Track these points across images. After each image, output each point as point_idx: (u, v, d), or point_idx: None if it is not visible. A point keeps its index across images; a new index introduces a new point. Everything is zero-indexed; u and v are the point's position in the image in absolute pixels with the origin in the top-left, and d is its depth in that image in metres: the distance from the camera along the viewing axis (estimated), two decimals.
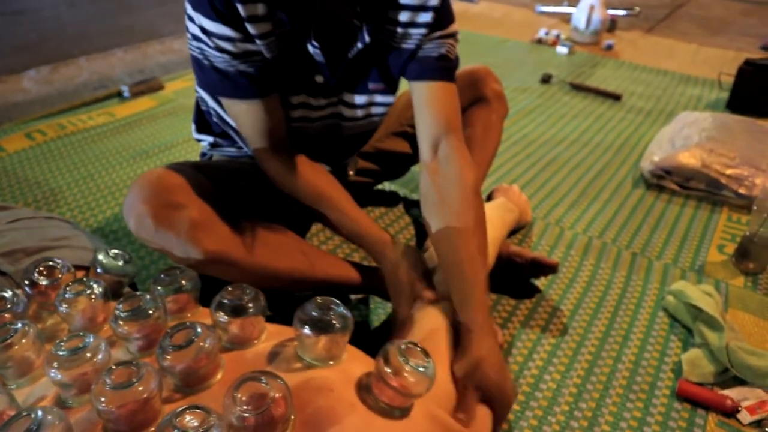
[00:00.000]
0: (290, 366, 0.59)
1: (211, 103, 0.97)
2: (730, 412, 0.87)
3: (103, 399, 0.48)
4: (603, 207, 1.43)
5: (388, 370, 0.55)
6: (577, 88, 2.23)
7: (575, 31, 2.89)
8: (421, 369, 0.56)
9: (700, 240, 1.32)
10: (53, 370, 0.54)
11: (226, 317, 0.61)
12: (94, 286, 0.68)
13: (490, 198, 1.28)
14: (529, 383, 0.92)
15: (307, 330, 0.58)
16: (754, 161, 1.47)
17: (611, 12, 3.06)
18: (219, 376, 0.57)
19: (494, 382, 0.73)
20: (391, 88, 0.97)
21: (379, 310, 1.05)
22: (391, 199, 1.41)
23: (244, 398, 0.48)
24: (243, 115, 0.86)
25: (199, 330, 0.55)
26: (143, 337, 0.61)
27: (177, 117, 1.81)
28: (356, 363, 0.62)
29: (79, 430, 0.51)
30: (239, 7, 0.75)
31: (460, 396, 0.72)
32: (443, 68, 0.92)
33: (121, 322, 0.60)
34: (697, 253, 1.27)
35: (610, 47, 2.80)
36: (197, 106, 1.04)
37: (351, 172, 1.21)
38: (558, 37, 2.86)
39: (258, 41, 0.79)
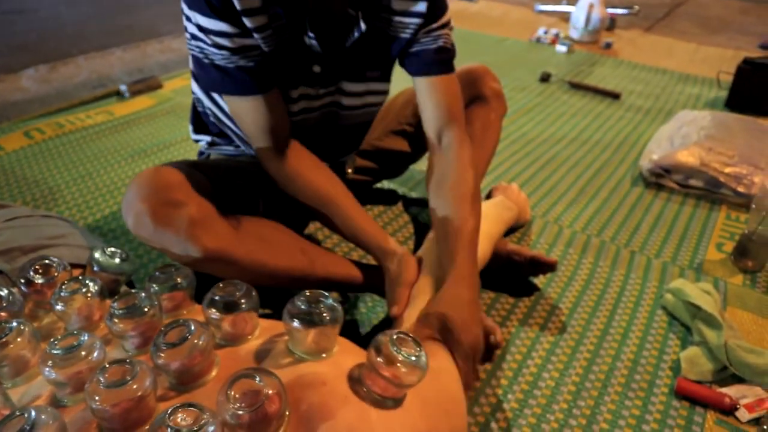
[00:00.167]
0: (283, 361, 0.59)
1: (207, 103, 0.96)
2: (729, 410, 0.87)
3: (97, 397, 0.48)
4: (602, 205, 1.43)
5: (380, 361, 0.55)
6: (576, 86, 2.22)
7: (574, 30, 2.89)
8: (413, 359, 0.56)
9: (699, 238, 1.31)
10: (48, 369, 0.53)
11: (218, 314, 0.61)
12: (90, 284, 0.67)
13: (489, 196, 1.28)
14: (528, 381, 0.92)
15: (296, 323, 0.58)
16: (753, 160, 1.47)
17: (610, 11, 3.06)
18: (214, 373, 0.57)
19: (458, 325, 0.73)
20: (386, 75, 1.00)
21: (378, 308, 1.05)
22: (389, 198, 1.41)
23: (238, 395, 0.48)
24: (245, 113, 0.85)
25: (192, 327, 0.55)
26: (139, 335, 0.61)
27: (176, 116, 1.81)
28: (348, 355, 0.62)
29: (74, 429, 0.51)
30: (234, 0, 0.75)
31: (422, 328, 0.74)
32: (442, 61, 0.96)
33: (116, 320, 0.60)
34: (696, 252, 1.26)
35: (609, 46, 2.80)
36: (194, 107, 1.04)
37: (349, 170, 1.20)
38: (557, 35, 2.86)
39: (255, 35, 0.79)
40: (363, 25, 0.86)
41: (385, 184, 1.46)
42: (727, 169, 1.45)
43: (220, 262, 0.79)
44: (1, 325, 0.60)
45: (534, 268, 1.08)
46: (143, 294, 0.63)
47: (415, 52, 0.94)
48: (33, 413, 0.46)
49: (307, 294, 0.61)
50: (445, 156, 0.96)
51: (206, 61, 0.80)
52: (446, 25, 0.95)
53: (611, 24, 3.11)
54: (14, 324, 0.60)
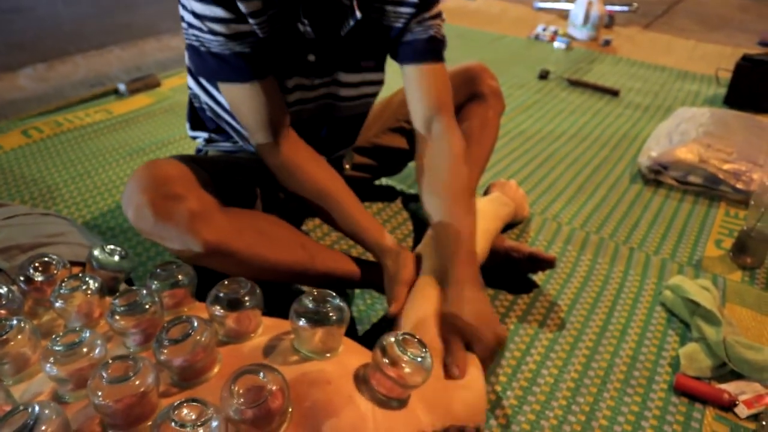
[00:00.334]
0: (287, 359, 0.59)
1: (204, 98, 0.96)
2: (728, 406, 0.87)
3: (99, 393, 0.48)
4: (601, 202, 1.43)
5: (386, 361, 0.55)
6: (575, 84, 2.23)
7: (573, 27, 2.89)
8: (419, 360, 0.56)
9: (698, 235, 1.32)
10: (50, 366, 0.53)
11: (222, 311, 0.61)
12: (90, 281, 0.67)
13: (487, 193, 1.28)
14: (527, 378, 0.92)
15: (303, 322, 0.58)
16: (752, 156, 1.47)
17: (609, 8, 3.06)
18: (216, 369, 0.57)
19: (471, 326, 0.76)
20: (380, 65, 1.00)
21: (377, 306, 1.05)
22: (389, 195, 1.41)
23: (241, 391, 0.48)
24: (241, 101, 0.85)
25: (195, 324, 0.55)
26: (140, 332, 0.61)
27: (174, 114, 1.81)
28: (353, 355, 0.62)
29: (77, 425, 0.51)
30: None
31: (446, 347, 0.74)
32: (433, 50, 0.96)
33: (117, 317, 0.60)
34: (695, 248, 1.27)
35: (607, 43, 2.80)
36: (190, 103, 1.04)
37: (347, 166, 1.21)
38: (556, 32, 2.86)
39: (250, 20, 0.79)
40: (358, 14, 0.86)
41: (384, 182, 1.46)
42: (726, 166, 1.45)
43: (219, 256, 0.79)
44: (1, 323, 0.60)
45: (533, 264, 1.08)
46: (144, 291, 0.63)
47: (406, 41, 0.95)
48: (36, 408, 0.46)
49: (315, 293, 0.61)
50: (437, 146, 0.96)
51: (203, 49, 0.81)
52: (438, 15, 0.96)
53: (610, 21, 3.11)
54: (14, 322, 0.60)
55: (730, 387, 0.90)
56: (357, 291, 1.08)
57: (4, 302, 0.66)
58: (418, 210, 1.36)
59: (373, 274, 0.93)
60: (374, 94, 1.04)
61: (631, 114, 2.00)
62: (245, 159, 1.00)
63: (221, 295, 0.61)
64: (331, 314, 0.59)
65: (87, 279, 0.68)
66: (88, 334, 0.56)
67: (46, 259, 0.73)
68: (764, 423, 0.83)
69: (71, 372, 0.53)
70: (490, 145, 1.19)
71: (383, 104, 1.28)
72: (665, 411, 0.87)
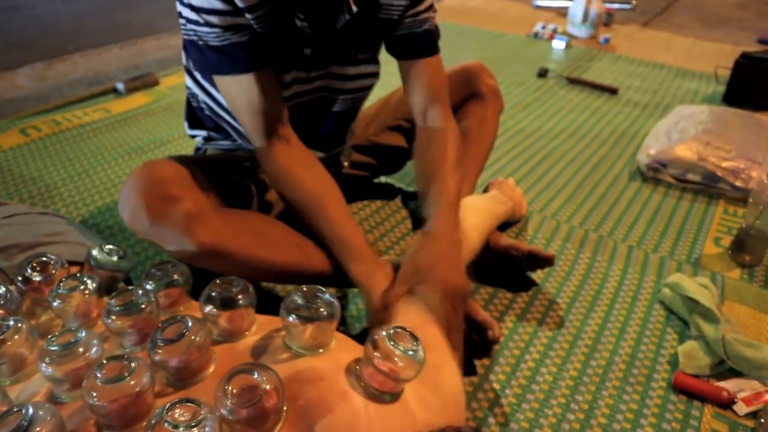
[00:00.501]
0: (280, 356, 0.59)
1: (202, 97, 0.96)
2: (726, 404, 0.87)
3: (94, 393, 0.48)
4: (599, 200, 1.43)
5: (378, 356, 0.55)
6: (574, 82, 2.22)
7: (572, 25, 2.88)
8: (411, 353, 0.56)
9: (697, 233, 1.32)
10: (45, 366, 0.53)
11: (215, 310, 0.60)
12: (88, 281, 0.67)
13: (485, 191, 1.28)
14: (526, 376, 0.92)
15: (293, 319, 0.58)
16: (751, 154, 1.47)
17: (608, 6, 3.06)
18: (211, 369, 0.57)
19: (441, 280, 0.79)
20: (375, 57, 1.01)
21: None
22: (388, 193, 1.41)
23: (235, 391, 0.48)
24: (238, 94, 0.84)
25: (190, 323, 0.55)
26: (136, 332, 0.61)
27: (173, 113, 1.80)
28: (345, 351, 0.62)
29: (72, 425, 0.51)
30: None
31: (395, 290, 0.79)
32: (428, 44, 0.98)
33: (113, 317, 0.60)
34: (694, 246, 1.27)
35: (606, 41, 2.80)
36: (188, 102, 1.04)
37: (345, 164, 1.20)
38: (554, 31, 2.86)
39: (247, 15, 0.79)
40: (354, 8, 0.86)
41: (383, 180, 1.46)
42: (725, 164, 1.45)
43: (215, 257, 0.79)
44: None
45: (532, 262, 1.08)
46: (140, 291, 0.62)
47: (402, 36, 0.96)
48: (31, 409, 0.46)
49: (304, 289, 0.61)
50: (430, 130, 1.00)
51: (201, 42, 0.80)
52: (431, 7, 0.97)
53: (609, 19, 3.11)
54: (11, 322, 0.60)
55: (729, 385, 0.90)
56: (355, 290, 1.08)
57: (1, 302, 0.65)
58: (417, 208, 1.35)
59: None
60: (370, 87, 1.04)
61: (630, 112, 2.00)
62: (244, 157, 1.00)
63: (214, 294, 0.61)
64: (321, 309, 0.59)
65: (85, 279, 0.67)
66: (84, 334, 0.56)
67: (44, 258, 0.73)
68: (763, 420, 0.83)
69: (67, 372, 0.53)
70: (488, 143, 1.19)
71: (382, 103, 1.28)
72: (664, 409, 0.87)
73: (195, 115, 1.04)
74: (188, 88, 1.00)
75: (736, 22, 3.33)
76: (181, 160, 0.86)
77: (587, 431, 0.83)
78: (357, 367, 0.59)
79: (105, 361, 0.51)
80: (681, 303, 1.04)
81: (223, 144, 1.05)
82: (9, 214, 0.93)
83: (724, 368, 0.93)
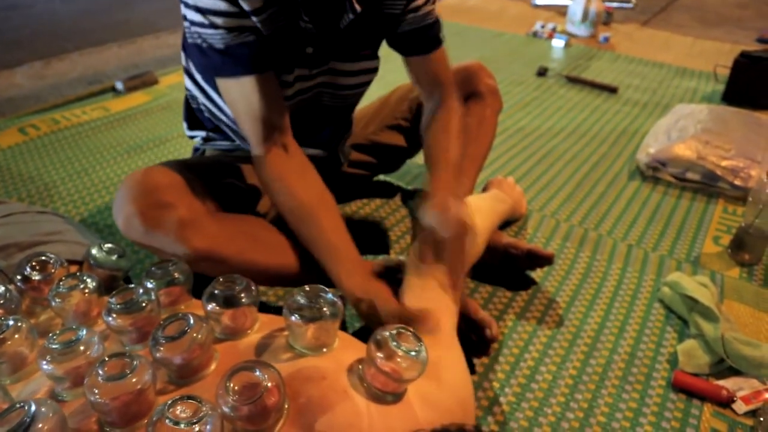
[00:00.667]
0: (282, 355, 0.59)
1: (201, 99, 0.96)
2: (726, 402, 0.87)
3: (96, 391, 0.48)
4: (599, 199, 1.43)
5: (380, 356, 0.55)
6: (573, 80, 2.22)
7: (571, 24, 2.88)
8: (413, 353, 0.56)
9: (696, 231, 1.32)
10: (46, 364, 0.53)
11: (218, 308, 0.60)
12: (88, 280, 0.67)
13: (484, 190, 1.28)
14: (525, 375, 0.92)
15: (296, 318, 0.58)
16: (750, 153, 1.47)
17: (607, 4, 3.06)
18: (213, 367, 0.57)
19: (428, 214, 0.86)
20: (376, 53, 1.01)
21: None
22: (387, 191, 1.41)
23: (237, 388, 0.48)
24: (240, 98, 0.83)
25: (191, 321, 0.55)
26: (136, 330, 0.61)
27: (171, 111, 1.80)
28: (348, 350, 0.62)
29: (74, 423, 0.51)
30: None
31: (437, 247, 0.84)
32: (432, 38, 0.99)
33: (114, 315, 0.60)
34: (693, 245, 1.27)
35: (606, 40, 2.80)
36: (187, 103, 1.04)
37: (345, 163, 1.20)
38: (554, 29, 2.86)
39: (253, 18, 0.78)
40: (358, 8, 0.86)
41: (382, 178, 1.46)
42: (724, 163, 1.45)
43: (210, 262, 0.80)
44: None
45: (531, 261, 1.08)
46: (141, 289, 0.62)
47: (406, 32, 0.96)
48: (33, 405, 0.46)
49: (307, 289, 0.61)
50: (435, 104, 1.04)
51: (205, 45, 0.80)
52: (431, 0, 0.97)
53: (608, 18, 3.11)
54: (11, 321, 0.60)
55: (728, 383, 0.90)
56: None
57: (1, 301, 0.66)
58: (417, 208, 1.35)
59: None
60: (369, 82, 1.05)
61: (630, 111, 2.00)
62: (242, 158, 1.00)
63: (217, 292, 0.61)
64: (324, 309, 0.59)
65: (85, 278, 0.67)
66: (84, 332, 0.56)
67: (43, 257, 0.73)
68: (762, 419, 0.84)
69: (68, 370, 0.53)
70: (487, 142, 1.19)
71: (381, 102, 1.28)
72: (663, 407, 0.87)
73: (194, 116, 1.04)
74: (187, 90, 1.00)
75: (736, 21, 3.33)
76: (175, 165, 0.85)
77: (587, 430, 0.83)
78: (359, 367, 0.59)
79: (107, 359, 0.51)
80: (680, 302, 1.04)
81: (222, 144, 1.05)
82: (7, 213, 0.93)
83: (724, 367, 0.93)
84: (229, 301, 0.61)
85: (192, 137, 1.08)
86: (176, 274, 0.69)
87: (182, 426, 0.44)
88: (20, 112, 1.74)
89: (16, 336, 0.59)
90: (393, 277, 0.92)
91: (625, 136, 1.80)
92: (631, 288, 1.12)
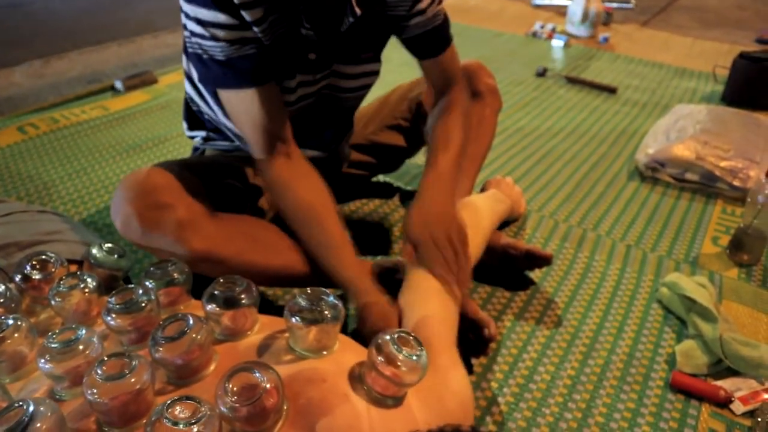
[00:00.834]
0: (283, 357, 0.59)
1: (201, 104, 0.96)
2: (724, 403, 0.88)
3: (94, 390, 0.48)
4: (598, 199, 1.44)
5: (381, 360, 0.55)
6: (573, 81, 2.22)
7: (571, 25, 2.88)
8: (414, 358, 0.56)
9: (695, 232, 1.32)
10: (45, 363, 0.53)
11: (218, 309, 0.61)
12: (88, 279, 0.67)
13: (483, 190, 1.28)
14: (524, 375, 0.92)
15: (297, 321, 0.58)
16: (749, 153, 1.47)
17: (607, 5, 3.06)
18: (212, 367, 0.57)
19: (417, 225, 0.85)
20: (378, 55, 1.01)
21: None
22: (386, 192, 1.41)
23: (235, 389, 0.48)
24: (242, 110, 0.84)
25: (191, 322, 0.55)
26: (136, 330, 0.61)
27: (171, 111, 1.80)
28: (349, 353, 0.62)
29: (73, 423, 0.51)
30: None
31: (425, 249, 0.83)
32: (443, 39, 1.00)
33: (113, 315, 0.60)
34: (692, 245, 1.27)
35: (605, 40, 2.80)
36: (186, 104, 1.04)
37: (345, 163, 1.20)
38: (554, 30, 2.86)
39: (254, 28, 0.78)
40: (358, 11, 0.85)
41: (381, 179, 1.46)
42: (723, 163, 1.45)
43: (209, 262, 0.80)
44: None
45: (530, 261, 1.08)
46: (140, 289, 0.62)
47: (416, 37, 0.96)
48: (31, 405, 0.46)
49: (309, 291, 0.61)
50: (443, 97, 1.04)
51: (206, 57, 0.80)
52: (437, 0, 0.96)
53: (608, 18, 3.11)
54: (11, 320, 0.60)
55: (726, 384, 0.90)
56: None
57: (1, 300, 0.66)
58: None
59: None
60: (371, 84, 1.05)
61: (629, 111, 2.00)
62: (242, 158, 1.00)
63: (217, 293, 0.61)
64: (325, 312, 0.59)
65: (85, 277, 0.67)
66: (84, 332, 0.56)
67: (43, 257, 0.73)
68: (760, 419, 0.84)
69: (67, 369, 0.53)
70: (487, 142, 1.19)
71: (381, 102, 1.28)
72: (661, 408, 0.87)
73: (194, 116, 1.04)
74: (187, 93, 1.00)
75: (735, 21, 3.33)
76: (173, 165, 0.85)
77: (585, 430, 0.83)
78: (360, 370, 0.59)
79: (106, 359, 0.51)
80: (679, 302, 1.04)
81: (221, 144, 1.05)
82: (7, 212, 0.93)
83: (722, 367, 0.93)
84: (229, 302, 0.61)
85: (192, 137, 1.08)
86: (175, 275, 0.69)
87: (181, 426, 0.44)
88: (19, 111, 1.74)
89: (16, 335, 0.59)
90: (391, 277, 0.92)
91: (624, 136, 1.80)
92: (629, 288, 1.13)
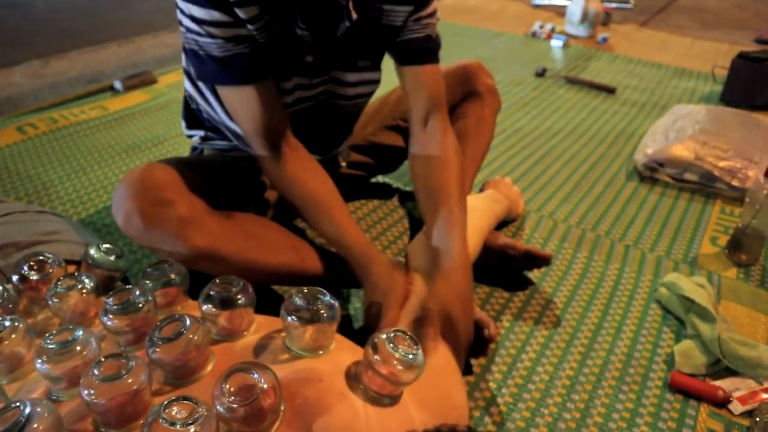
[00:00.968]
0: (279, 357, 0.59)
1: (200, 101, 0.96)
2: (722, 403, 0.88)
3: (92, 391, 0.48)
4: (596, 199, 1.44)
5: (377, 359, 0.55)
6: (572, 81, 2.23)
7: (570, 25, 2.88)
8: (410, 357, 0.56)
9: (693, 232, 1.32)
10: (42, 364, 0.53)
11: (214, 309, 0.60)
12: (86, 280, 0.67)
13: (481, 190, 1.28)
14: (522, 375, 0.92)
15: (294, 320, 0.58)
16: (747, 153, 1.47)
17: (606, 5, 3.06)
18: (209, 368, 0.57)
19: (454, 322, 0.79)
20: (377, 65, 1.00)
21: None
22: (385, 192, 1.41)
23: (232, 389, 0.48)
24: (240, 106, 0.84)
25: (188, 322, 0.55)
26: (133, 331, 0.61)
27: (170, 111, 1.80)
28: (345, 353, 0.62)
29: (69, 423, 0.51)
30: None
31: (424, 326, 0.76)
32: (430, 50, 0.97)
33: (110, 316, 0.60)
34: (690, 245, 1.27)
35: (604, 40, 2.80)
36: (186, 103, 1.04)
37: (343, 164, 1.20)
38: (553, 30, 2.86)
39: (249, 26, 0.78)
40: (354, 15, 0.85)
41: (380, 179, 1.46)
42: (722, 163, 1.45)
43: (210, 260, 0.80)
44: None
45: (528, 262, 1.08)
46: (137, 290, 0.62)
47: (404, 40, 0.95)
48: (28, 405, 0.46)
49: (305, 291, 0.61)
50: (431, 140, 0.98)
51: (202, 53, 0.80)
52: (433, 14, 0.96)
53: (607, 18, 3.11)
54: (8, 321, 0.60)
55: (725, 384, 0.90)
56: (353, 289, 1.08)
57: None
58: (414, 208, 1.36)
59: None
60: (370, 93, 1.04)
61: (628, 111, 2.01)
62: (239, 158, 1.00)
63: (213, 293, 0.61)
64: (321, 311, 0.59)
65: (83, 278, 0.67)
66: (81, 333, 0.56)
67: (41, 257, 0.73)
68: (758, 419, 0.84)
69: (64, 370, 0.53)
70: (485, 142, 1.20)
71: (380, 102, 1.28)
72: (660, 408, 0.87)
73: (192, 115, 1.04)
74: (186, 90, 1.00)
75: (734, 22, 3.33)
76: (175, 162, 0.86)
77: (583, 430, 0.83)
78: (356, 369, 0.59)
79: (103, 359, 0.51)
80: (677, 302, 1.04)
81: (219, 144, 1.05)
82: (6, 212, 0.93)
83: (720, 367, 0.93)
84: (225, 303, 0.61)
85: (190, 136, 1.08)
86: (173, 275, 0.69)
87: (177, 427, 0.44)
88: (18, 110, 1.73)
89: (13, 336, 0.59)
90: None
91: (623, 136, 1.80)
92: (628, 288, 1.13)
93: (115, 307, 0.60)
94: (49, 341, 0.55)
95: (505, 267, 1.11)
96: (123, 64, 2.21)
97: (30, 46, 2.34)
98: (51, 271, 0.72)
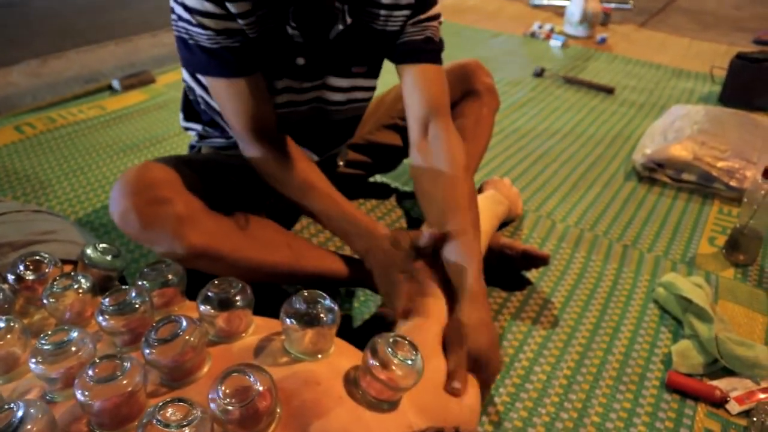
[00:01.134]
0: (277, 359, 0.59)
1: (198, 91, 0.96)
2: (719, 403, 0.88)
3: (86, 392, 0.48)
4: (595, 199, 1.44)
5: (376, 364, 0.55)
6: (570, 81, 2.22)
7: (569, 25, 2.88)
8: (409, 362, 0.56)
9: (691, 232, 1.32)
10: (37, 364, 0.53)
11: (212, 311, 0.60)
12: (82, 280, 0.67)
13: (480, 191, 1.28)
14: (520, 375, 0.92)
15: (293, 323, 0.58)
16: (746, 154, 1.47)
17: (605, 5, 3.06)
18: (205, 369, 0.57)
19: (484, 350, 0.74)
20: (373, 72, 0.99)
21: (370, 303, 1.05)
22: (383, 192, 1.41)
23: (228, 391, 0.48)
24: (228, 97, 0.84)
25: (184, 323, 0.55)
26: (129, 332, 0.60)
27: (168, 110, 1.80)
28: (344, 356, 0.62)
29: (64, 424, 0.51)
30: None
31: (451, 363, 0.72)
32: (430, 50, 0.95)
33: (107, 316, 0.59)
34: (688, 245, 1.27)
35: (603, 41, 2.80)
36: (185, 94, 1.04)
37: (341, 163, 1.20)
38: (551, 30, 2.86)
39: (239, 20, 0.78)
40: (348, 19, 0.85)
41: (378, 179, 1.46)
42: (720, 164, 1.45)
43: (206, 259, 0.79)
44: None
45: (527, 261, 1.08)
46: (134, 290, 0.62)
47: (401, 42, 0.94)
48: (22, 407, 0.45)
49: (305, 294, 0.61)
50: (434, 152, 0.93)
51: (191, 42, 0.80)
52: (435, 17, 0.95)
53: (606, 19, 3.11)
54: (4, 321, 0.60)
55: (722, 383, 0.90)
56: (352, 289, 1.08)
57: None
58: (412, 208, 1.36)
59: (363, 272, 0.93)
60: (364, 100, 1.03)
61: (626, 111, 2.01)
62: (237, 156, 1.00)
63: (211, 294, 0.61)
64: (321, 315, 0.58)
65: (79, 278, 0.67)
66: (76, 333, 0.55)
67: (37, 257, 0.73)
68: (755, 419, 0.84)
69: (59, 371, 0.53)
70: (484, 142, 1.19)
71: (378, 101, 1.28)
72: (657, 407, 0.87)
73: (191, 108, 1.04)
74: (185, 81, 1.00)
75: (732, 22, 3.33)
76: (172, 161, 0.85)
77: (581, 430, 0.83)
78: (355, 374, 0.58)
79: (97, 360, 0.50)
80: (675, 302, 1.04)
81: (217, 141, 1.05)
82: (2, 212, 0.93)
83: (717, 367, 0.93)
84: (223, 304, 0.60)
85: (187, 129, 1.08)
86: (170, 276, 0.68)
87: (172, 429, 0.44)
88: (16, 110, 1.73)
89: (9, 336, 0.59)
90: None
91: (622, 136, 1.80)
92: (626, 288, 1.13)
93: (111, 307, 0.60)
94: (43, 342, 0.54)
95: (503, 267, 1.11)
96: (121, 64, 2.21)
97: (28, 46, 2.33)
98: (47, 270, 0.71)
